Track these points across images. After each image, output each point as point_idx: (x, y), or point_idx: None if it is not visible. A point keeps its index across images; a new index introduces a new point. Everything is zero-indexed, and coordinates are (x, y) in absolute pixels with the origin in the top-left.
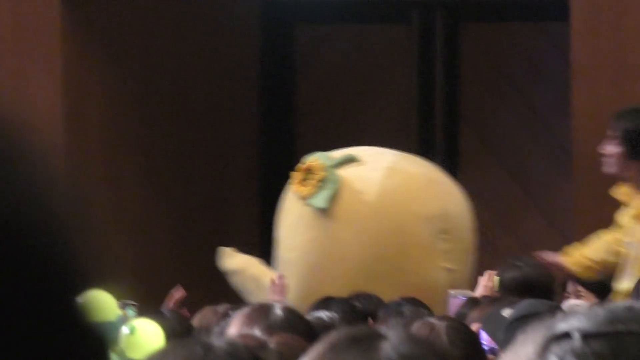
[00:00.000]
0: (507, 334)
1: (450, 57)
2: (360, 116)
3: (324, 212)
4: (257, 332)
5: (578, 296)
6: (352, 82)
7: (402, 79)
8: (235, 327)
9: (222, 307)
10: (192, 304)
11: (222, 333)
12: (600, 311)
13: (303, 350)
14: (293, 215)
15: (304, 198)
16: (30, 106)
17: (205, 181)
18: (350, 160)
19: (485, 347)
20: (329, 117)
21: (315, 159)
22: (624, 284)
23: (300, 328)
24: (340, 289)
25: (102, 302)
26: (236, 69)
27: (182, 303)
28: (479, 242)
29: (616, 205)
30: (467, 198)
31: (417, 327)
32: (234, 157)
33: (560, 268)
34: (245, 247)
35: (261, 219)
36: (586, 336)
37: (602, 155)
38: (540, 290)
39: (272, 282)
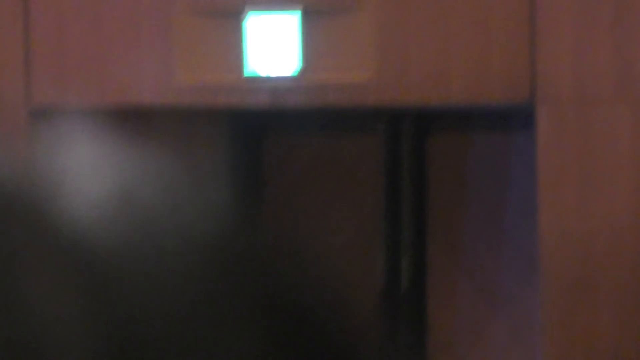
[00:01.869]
0: None
1: (417, 169)
2: (326, 230)
3: None
4: None
5: None
6: (319, 193)
7: (369, 192)
8: None
9: None
10: None
11: None
12: None
13: None
14: None
15: None
16: None
17: None
18: None
19: None
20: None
21: None
22: None
23: None
24: None
25: None
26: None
27: None
28: (447, 357)
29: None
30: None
31: None
32: None
33: None
34: None
35: None
36: None
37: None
38: None
39: None
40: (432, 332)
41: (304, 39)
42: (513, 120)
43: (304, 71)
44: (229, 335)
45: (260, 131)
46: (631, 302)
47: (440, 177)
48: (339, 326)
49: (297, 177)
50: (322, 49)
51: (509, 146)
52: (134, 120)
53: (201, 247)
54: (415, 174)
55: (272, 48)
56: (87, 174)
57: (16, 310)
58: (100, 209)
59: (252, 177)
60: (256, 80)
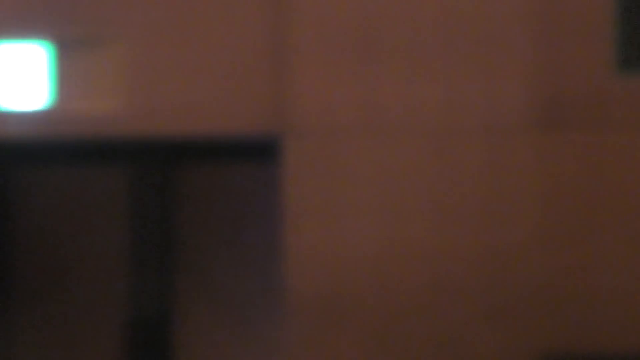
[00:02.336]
0: None
1: (167, 200)
2: (77, 260)
3: None
4: None
5: None
6: (69, 225)
7: (119, 223)
8: None
9: None
10: None
11: None
12: None
13: None
14: None
15: None
16: None
17: None
18: None
19: None
20: (46, 262)
21: None
22: None
23: None
24: None
25: None
26: None
27: None
28: None
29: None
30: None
31: None
32: None
33: None
34: None
35: None
36: None
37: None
38: None
39: None
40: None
41: (55, 70)
42: (261, 152)
43: (54, 103)
44: None
45: (9, 162)
46: (374, 327)
47: (190, 207)
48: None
49: (46, 208)
50: (73, 81)
51: (258, 176)
52: None
53: None
54: (165, 204)
55: (21, 79)
56: None
57: None
58: None
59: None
60: (3, 113)
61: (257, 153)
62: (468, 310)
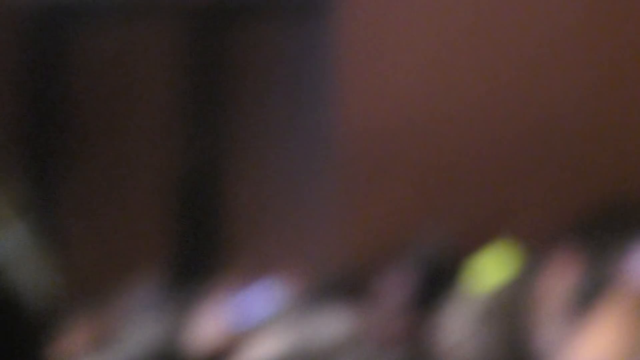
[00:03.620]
0: None
1: (217, 62)
2: (129, 115)
3: None
4: None
5: None
6: (122, 85)
7: (168, 77)
8: None
9: None
10: None
11: None
12: None
13: None
14: None
15: None
16: None
17: None
18: None
19: None
20: (99, 116)
21: None
22: None
23: None
24: None
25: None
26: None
27: None
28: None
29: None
30: None
31: None
32: None
33: None
34: None
35: None
36: None
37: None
38: None
39: None
40: (237, 221)
41: None
42: (308, 6)
43: None
44: None
45: (59, 22)
46: (427, 170)
47: (240, 69)
48: None
49: (101, 64)
50: None
51: (304, 35)
52: None
53: None
54: (218, 59)
55: None
56: None
57: None
58: None
59: (55, 66)
60: None
61: (302, 8)
62: (516, 160)
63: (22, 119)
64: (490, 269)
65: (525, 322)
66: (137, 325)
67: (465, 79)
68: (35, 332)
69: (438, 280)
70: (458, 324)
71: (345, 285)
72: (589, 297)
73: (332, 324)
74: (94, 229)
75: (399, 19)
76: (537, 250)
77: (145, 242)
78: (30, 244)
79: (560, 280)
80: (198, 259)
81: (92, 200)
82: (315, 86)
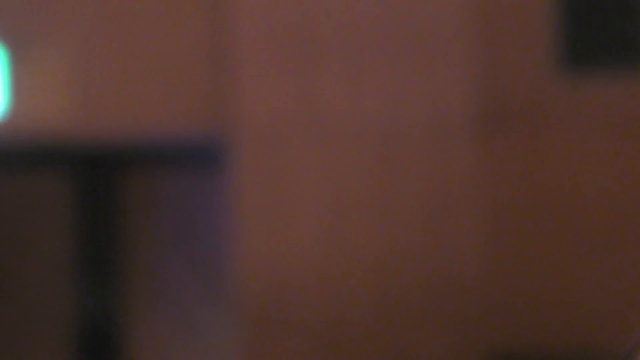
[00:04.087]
0: None
1: (110, 205)
2: (19, 265)
3: None
4: None
5: None
6: (10, 231)
7: (63, 233)
8: None
9: None
10: None
11: None
12: None
13: None
14: None
15: None
16: None
17: None
18: None
19: None
20: None
21: None
22: None
23: None
24: None
25: None
26: None
27: None
28: None
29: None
30: None
31: None
32: None
33: None
34: None
35: None
36: None
37: None
38: None
39: None
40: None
41: (2, 76)
42: (206, 156)
43: (3, 109)
44: None
45: None
46: (319, 332)
47: (134, 212)
48: None
49: None
50: (20, 87)
51: (203, 181)
52: None
53: None
54: (111, 210)
55: None
56: None
57: None
58: None
59: None
60: None
61: (201, 157)
62: (416, 313)
63: None
64: None
65: None
66: None
67: (362, 235)
68: None
69: None
70: None
71: None
72: None
73: None
74: None
75: (298, 172)
76: None
77: None
78: None
79: None
80: None
81: None
82: (211, 235)
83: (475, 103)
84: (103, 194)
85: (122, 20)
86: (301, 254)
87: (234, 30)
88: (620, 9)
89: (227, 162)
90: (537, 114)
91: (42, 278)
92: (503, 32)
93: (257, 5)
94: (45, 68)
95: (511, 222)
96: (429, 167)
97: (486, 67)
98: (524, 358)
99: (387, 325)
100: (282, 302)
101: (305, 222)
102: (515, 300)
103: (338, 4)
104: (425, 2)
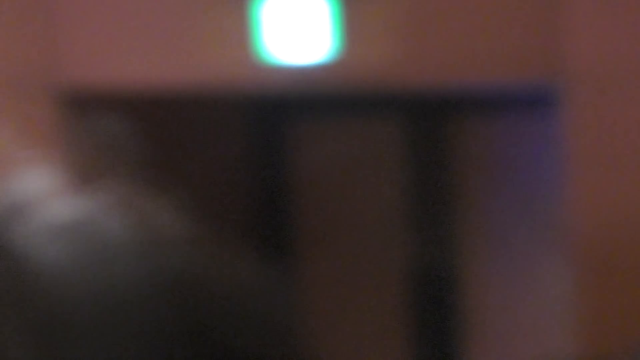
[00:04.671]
0: None
1: (441, 153)
2: (355, 213)
3: None
4: None
5: None
6: (343, 180)
7: (393, 177)
8: None
9: None
10: None
11: None
12: None
13: None
14: None
15: None
16: None
17: None
18: None
19: None
20: (324, 215)
21: None
22: None
23: None
24: None
25: None
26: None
27: None
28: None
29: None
30: None
31: None
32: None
33: None
34: None
35: None
36: None
37: None
38: None
39: None
40: (466, 310)
41: (334, 22)
42: (537, 101)
43: (334, 55)
44: None
45: (283, 118)
46: None
47: (465, 159)
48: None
49: (324, 161)
50: (352, 33)
51: (534, 126)
52: (155, 108)
53: None
54: (441, 156)
55: (297, 32)
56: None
57: None
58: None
59: (277, 164)
60: (278, 66)
61: (531, 103)
62: None
63: (249, 216)
64: None
65: None
66: None
67: None
68: None
69: None
70: None
71: None
72: None
73: None
74: (327, 329)
75: (631, 117)
76: None
77: (380, 341)
78: None
79: None
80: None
81: (323, 298)
82: (544, 182)
83: None
84: (433, 141)
85: None
86: (636, 201)
87: None
88: None
89: (558, 107)
90: None
91: (377, 225)
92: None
93: None
94: (378, 13)
95: None
96: None
97: None
98: None
99: None
100: (618, 250)
101: None
102: None
103: None
104: None
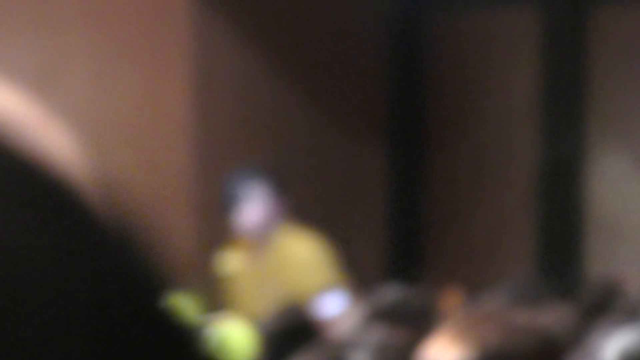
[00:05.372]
0: None
1: (577, 43)
2: (485, 107)
3: None
4: None
5: None
6: (477, 71)
7: (528, 67)
8: None
9: None
10: None
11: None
12: None
13: None
14: None
15: None
16: (162, 100)
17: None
18: None
19: None
20: (455, 109)
21: None
22: None
23: None
24: None
25: (184, 307)
26: (363, 61)
27: None
28: None
29: None
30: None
31: None
32: (362, 147)
33: None
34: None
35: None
36: None
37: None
38: None
39: None
40: (596, 219)
41: None
42: None
43: None
44: None
45: (416, 8)
46: None
47: (603, 50)
48: None
49: (456, 53)
50: None
51: None
52: None
53: None
54: (577, 47)
55: None
56: None
57: None
58: None
59: (412, 58)
60: None
61: None
62: None
63: (384, 110)
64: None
65: None
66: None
67: None
68: None
69: None
70: None
71: None
72: None
73: None
74: (453, 221)
75: None
76: None
77: (505, 236)
78: None
79: None
80: (556, 256)
81: (451, 192)
82: None
83: None
84: (569, 33)
85: None
86: None
87: None
88: None
89: None
90: None
91: (507, 116)
92: None
93: None
94: None
95: None
96: None
97: None
98: None
99: None
100: None
101: None
102: None
103: None
104: None
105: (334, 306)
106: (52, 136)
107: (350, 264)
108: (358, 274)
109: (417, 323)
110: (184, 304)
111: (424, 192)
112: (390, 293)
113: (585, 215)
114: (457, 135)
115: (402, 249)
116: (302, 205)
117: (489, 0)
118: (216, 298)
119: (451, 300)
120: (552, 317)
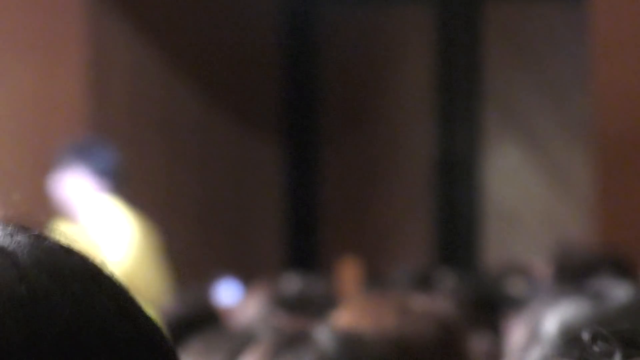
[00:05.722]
0: None
1: (471, 37)
2: (381, 100)
3: None
4: None
5: None
6: (372, 65)
7: (422, 61)
8: None
9: None
10: None
11: None
12: None
13: None
14: None
15: None
16: (56, 86)
17: (228, 165)
18: None
19: None
20: (350, 102)
21: None
22: None
23: None
24: None
25: None
26: (258, 54)
27: None
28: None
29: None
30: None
31: None
32: (258, 139)
33: None
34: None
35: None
36: None
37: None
38: None
39: None
40: (490, 213)
41: None
42: None
43: None
44: None
45: (313, 3)
46: None
47: (497, 42)
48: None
49: (351, 48)
50: None
51: (564, 11)
52: None
53: None
54: (471, 40)
55: None
56: None
57: None
58: None
59: (306, 51)
60: None
61: None
62: None
63: (280, 102)
64: None
65: None
66: None
67: None
68: None
69: None
70: None
71: None
72: None
73: None
74: (351, 211)
75: None
76: None
77: (404, 226)
78: None
79: None
80: (454, 244)
81: (350, 184)
82: (567, 71)
83: None
84: (463, 27)
85: None
86: None
87: None
88: None
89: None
90: None
91: (404, 109)
92: None
93: None
94: None
95: None
96: None
97: None
98: None
99: None
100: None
101: None
102: None
103: None
104: None
105: (228, 294)
106: None
107: (249, 254)
108: (257, 264)
109: (316, 312)
110: None
111: (322, 183)
112: (290, 282)
113: (482, 204)
114: (353, 127)
115: (301, 239)
116: (196, 196)
117: None
118: None
119: (349, 271)
120: (450, 304)
